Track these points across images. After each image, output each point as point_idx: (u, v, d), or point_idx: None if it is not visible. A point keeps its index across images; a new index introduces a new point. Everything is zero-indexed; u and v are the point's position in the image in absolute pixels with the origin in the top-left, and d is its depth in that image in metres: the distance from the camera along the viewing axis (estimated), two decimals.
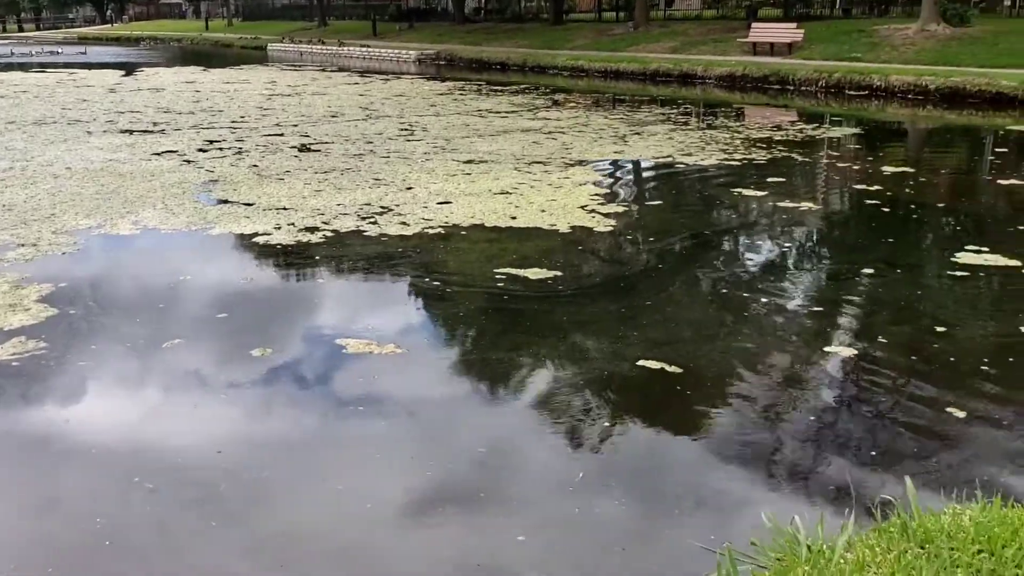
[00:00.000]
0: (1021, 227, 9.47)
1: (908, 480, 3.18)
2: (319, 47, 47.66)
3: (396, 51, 40.92)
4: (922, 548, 2.78)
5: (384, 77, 31.15)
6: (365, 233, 9.16)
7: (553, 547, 3.99)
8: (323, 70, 35.48)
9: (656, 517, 4.20)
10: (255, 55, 48.52)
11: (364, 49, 43.81)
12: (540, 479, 4.58)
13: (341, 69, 35.98)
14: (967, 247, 8.36)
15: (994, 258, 8.02)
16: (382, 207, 10.29)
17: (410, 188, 11.34)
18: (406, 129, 17.16)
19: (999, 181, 12.01)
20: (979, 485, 3.60)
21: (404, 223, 9.53)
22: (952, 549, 2.74)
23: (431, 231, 9.21)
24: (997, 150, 14.94)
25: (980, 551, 2.73)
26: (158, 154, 14.21)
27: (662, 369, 5.74)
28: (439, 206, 10.31)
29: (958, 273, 7.66)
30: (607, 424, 5.13)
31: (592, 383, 5.67)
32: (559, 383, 5.71)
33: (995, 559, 2.68)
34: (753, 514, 3.74)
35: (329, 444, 5.02)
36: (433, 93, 24.88)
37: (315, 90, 26.12)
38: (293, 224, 9.50)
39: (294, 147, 14.96)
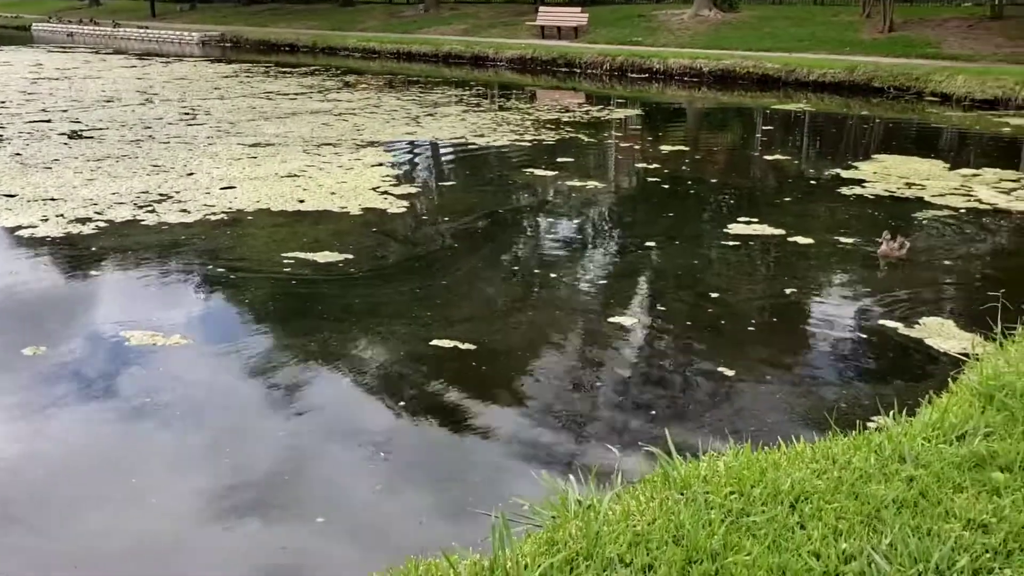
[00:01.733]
0: (787, 199, 10.24)
1: (667, 432, 3.37)
2: (91, 28, 44.43)
3: (177, 32, 38.87)
4: (681, 494, 2.96)
5: (164, 60, 29.50)
6: (143, 223, 8.65)
7: (353, 525, 3.95)
8: (96, 52, 33.15)
9: (453, 489, 4.24)
10: (17, 36, 44.68)
11: (142, 31, 41.31)
12: (339, 461, 4.51)
13: (117, 52, 33.76)
14: (739, 219, 8.94)
15: (762, 228, 8.63)
16: (161, 194, 9.75)
17: (191, 174, 10.81)
18: (188, 113, 16.34)
19: (765, 157, 12.93)
20: (743, 435, 3.86)
21: (185, 210, 9.07)
22: (707, 492, 2.92)
23: (214, 218, 8.83)
24: (764, 128, 16.06)
25: (732, 492, 2.94)
26: None
27: (455, 347, 5.78)
28: (222, 191, 9.89)
29: (730, 243, 8.17)
30: (403, 403, 5.10)
31: (386, 364, 5.63)
32: (353, 366, 5.63)
33: (744, 498, 2.89)
34: (540, 478, 3.84)
35: (114, 441, 4.71)
36: (217, 76, 23.82)
37: (87, 73, 24.37)
38: (62, 215, 8.83)
39: (64, 134, 13.90)
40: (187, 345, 5.84)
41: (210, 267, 7.48)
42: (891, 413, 3.78)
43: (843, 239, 8.22)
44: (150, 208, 9.15)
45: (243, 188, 10.03)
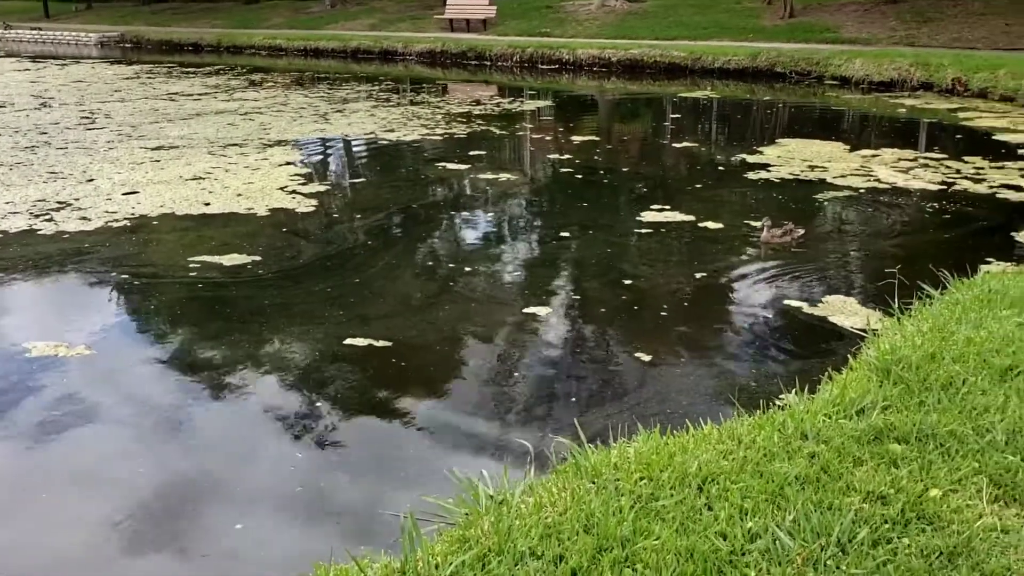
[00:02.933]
0: (697, 185, 10.41)
1: (577, 422, 3.39)
2: None
3: (74, 34, 37.48)
4: (593, 483, 2.98)
5: (61, 62, 28.42)
6: (40, 232, 8.32)
7: (271, 530, 3.87)
8: None
9: (369, 489, 4.19)
10: None
11: (35, 32, 39.71)
12: (254, 466, 4.42)
13: (9, 54, 32.39)
14: (651, 207, 9.05)
15: (674, 215, 8.76)
16: (60, 202, 9.40)
17: (92, 180, 10.44)
18: (87, 117, 15.79)
19: (675, 144, 13.13)
20: (658, 418, 3.90)
21: (85, 218, 8.76)
22: (618, 480, 2.95)
23: (116, 224, 8.54)
24: (673, 116, 16.30)
25: (642, 478, 2.97)
26: None
27: (370, 345, 5.72)
28: (125, 197, 9.58)
29: (643, 230, 8.27)
30: (317, 405, 5.03)
31: (299, 365, 5.54)
32: (265, 368, 5.52)
33: (654, 483, 2.92)
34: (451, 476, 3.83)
35: (18, 456, 4.52)
36: (118, 78, 23.07)
37: None
38: None
39: None
40: (92, 355, 5.66)
41: (114, 275, 7.25)
42: (794, 391, 3.87)
43: (752, 223, 8.40)
44: (47, 217, 8.81)
45: (146, 193, 9.73)
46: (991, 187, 9.60)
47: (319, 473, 4.34)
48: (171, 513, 3.99)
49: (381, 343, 5.76)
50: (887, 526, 2.69)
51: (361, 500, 4.12)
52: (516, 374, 5.41)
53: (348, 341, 5.79)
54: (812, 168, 10.80)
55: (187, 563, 3.65)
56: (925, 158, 11.36)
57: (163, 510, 4.01)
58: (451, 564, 2.52)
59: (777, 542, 2.60)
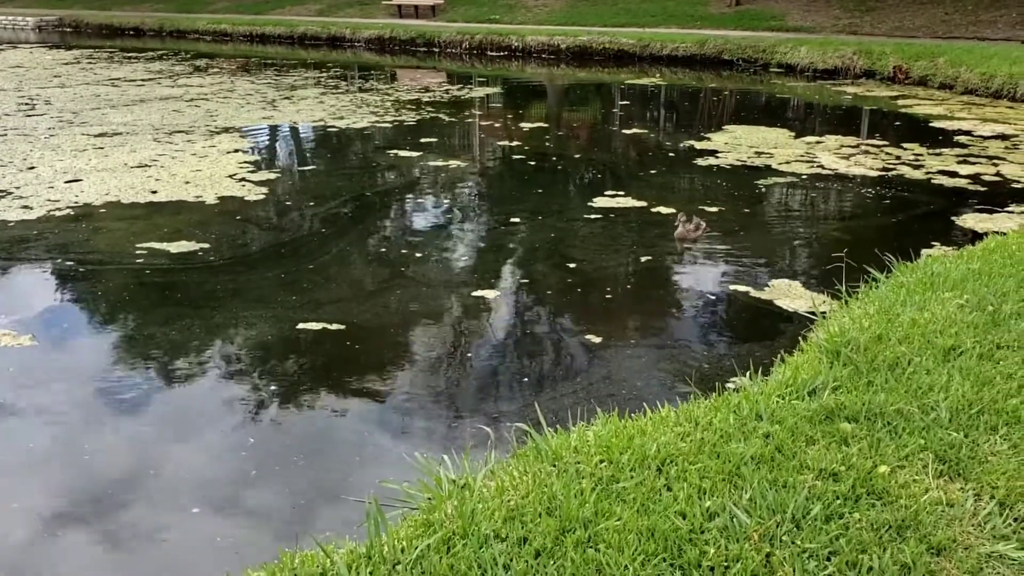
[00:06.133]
0: (652, 171, 10.52)
1: (537, 406, 3.44)
2: None
3: (10, 18, 36.45)
4: (554, 465, 3.02)
5: None
6: None
7: (228, 517, 3.85)
8: None
9: (328, 474, 4.18)
10: None
11: None
12: (211, 450, 4.39)
13: None
14: (605, 192, 9.12)
15: (626, 200, 8.83)
16: None
17: (32, 168, 10.20)
18: (26, 104, 15.39)
19: (624, 131, 13.23)
20: (614, 400, 3.95)
21: (27, 207, 8.55)
22: (578, 462, 3.00)
23: (59, 213, 8.36)
24: (622, 103, 16.41)
25: (602, 460, 3.02)
26: None
27: (324, 329, 5.71)
28: (67, 185, 9.37)
29: (594, 216, 8.33)
30: (272, 387, 5.01)
31: (252, 349, 5.52)
32: (217, 352, 5.48)
33: (614, 466, 2.98)
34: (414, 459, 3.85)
35: None
36: (57, 63, 22.50)
37: None
38: None
39: None
40: (39, 343, 5.56)
41: (59, 263, 7.11)
42: (748, 373, 3.96)
43: (704, 207, 8.51)
44: None
45: (90, 180, 9.54)
46: (928, 173, 9.85)
47: (275, 457, 4.31)
48: (123, 498, 3.95)
49: (335, 326, 5.75)
50: (839, 502, 2.78)
51: (318, 484, 4.11)
52: (469, 356, 5.44)
53: (302, 325, 5.77)
54: (759, 155, 10.97)
55: (145, 548, 3.62)
56: (867, 145, 11.61)
57: (115, 496, 3.96)
58: (416, 548, 2.55)
59: (734, 520, 2.67)
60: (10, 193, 9.07)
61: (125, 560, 3.59)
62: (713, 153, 11.13)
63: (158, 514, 3.85)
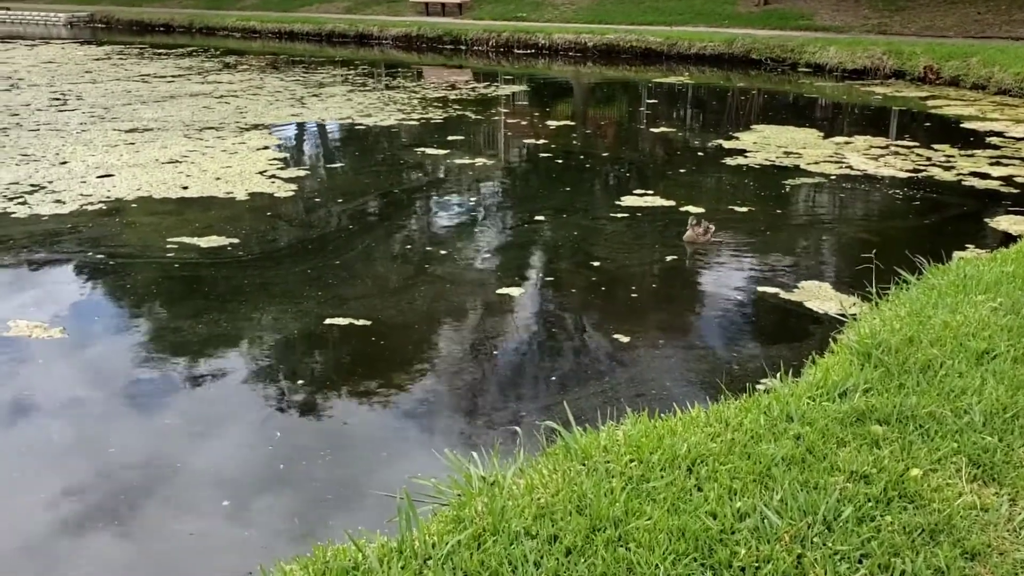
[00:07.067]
0: (683, 170, 10.49)
1: (567, 405, 3.44)
2: None
3: (43, 14, 36.90)
4: (583, 464, 3.02)
5: (29, 43, 27.98)
6: (13, 215, 8.22)
7: (259, 507, 3.89)
8: None
9: (356, 469, 4.21)
10: None
11: (3, 12, 39.04)
12: (239, 443, 4.43)
13: None
14: (633, 191, 9.11)
15: (655, 200, 8.81)
16: (33, 185, 9.29)
17: (65, 163, 10.33)
18: (58, 99, 15.58)
19: (652, 130, 13.20)
20: (644, 399, 3.94)
21: (59, 201, 8.67)
22: (608, 462, 3.00)
23: (92, 208, 8.46)
24: (649, 101, 16.37)
25: (631, 460, 3.02)
26: None
27: (351, 324, 5.75)
28: (100, 180, 9.49)
29: (620, 215, 8.31)
30: (300, 381, 5.04)
31: (280, 343, 5.56)
32: (246, 345, 5.53)
33: (644, 465, 2.98)
34: (444, 455, 3.86)
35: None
36: (89, 58, 22.76)
37: None
38: None
39: None
40: (69, 336, 5.63)
41: (91, 256, 7.19)
42: (778, 375, 3.94)
43: (733, 207, 8.47)
44: (21, 200, 8.71)
45: (122, 176, 9.64)
46: (959, 175, 9.75)
47: (301, 451, 4.34)
48: (152, 490, 3.99)
49: (361, 322, 5.78)
50: (871, 504, 2.76)
51: (345, 479, 4.14)
52: (494, 354, 5.45)
53: (328, 320, 5.81)
54: (787, 154, 10.90)
55: (176, 540, 3.66)
56: (896, 145, 11.51)
57: (144, 488, 4.01)
58: (447, 544, 2.56)
59: (765, 520, 2.66)
60: (43, 187, 9.19)
61: (155, 552, 3.63)
62: (742, 152, 11.08)
63: (188, 506, 3.89)
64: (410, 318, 5.97)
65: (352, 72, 20.10)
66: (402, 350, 5.52)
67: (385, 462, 4.28)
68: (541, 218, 8.33)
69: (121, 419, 4.70)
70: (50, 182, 9.41)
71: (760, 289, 6.44)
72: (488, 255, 7.41)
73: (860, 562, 2.51)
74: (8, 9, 39.39)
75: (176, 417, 4.72)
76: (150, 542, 3.68)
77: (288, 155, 11.03)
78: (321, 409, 4.83)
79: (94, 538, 3.69)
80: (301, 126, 13.33)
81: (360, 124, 13.25)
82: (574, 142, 12.20)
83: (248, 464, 4.25)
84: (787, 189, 9.31)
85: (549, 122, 13.70)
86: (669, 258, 7.10)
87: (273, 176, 9.71)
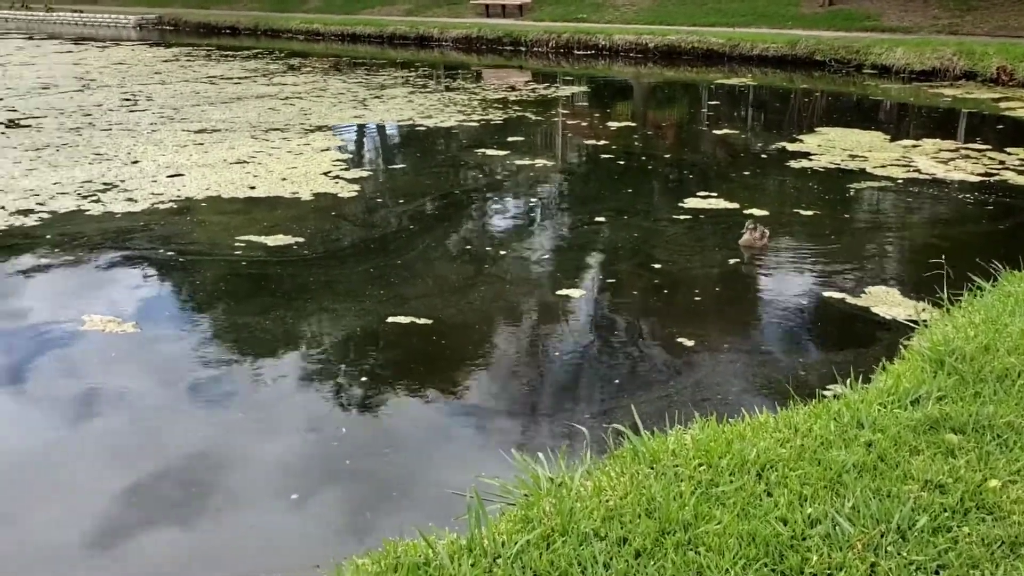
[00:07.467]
0: (746, 173, 10.37)
1: (634, 408, 3.43)
2: (23, 13, 43.19)
3: (113, 16, 37.94)
4: (651, 468, 3.02)
5: (101, 45, 28.79)
6: (88, 212, 8.47)
7: (327, 502, 3.96)
8: (30, 38, 32.22)
9: (421, 467, 4.25)
10: None
11: (77, 15, 40.23)
12: (304, 439, 4.50)
13: (51, 37, 32.83)
14: (696, 193, 9.04)
15: (718, 202, 8.74)
16: (105, 184, 9.56)
17: (136, 162, 10.61)
18: (129, 99, 16.00)
19: (714, 131, 13.08)
20: (710, 404, 3.92)
21: (131, 199, 8.91)
22: (676, 465, 2.99)
23: (163, 206, 8.68)
24: (710, 103, 16.21)
25: (700, 464, 3.01)
26: None
27: (411, 323, 5.80)
28: (170, 179, 9.72)
29: (683, 217, 8.25)
30: (364, 379, 5.11)
31: (344, 340, 5.64)
32: (309, 344, 5.62)
33: (713, 470, 2.96)
34: (508, 455, 3.88)
35: (70, 427, 4.63)
36: (157, 60, 23.33)
37: (22, 60, 23.69)
38: (3, 208, 8.61)
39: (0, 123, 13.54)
40: (141, 330, 5.79)
41: (162, 254, 7.37)
42: (847, 381, 3.88)
43: (798, 210, 8.36)
44: (95, 198, 8.97)
45: (191, 175, 9.87)
46: None
47: (365, 447, 4.39)
48: (221, 483, 4.08)
49: (422, 321, 5.84)
50: (946, 515, 2.71)
51: (410, 476, 4.18)
52: (555, 355, 5.45)
53: (391, 319, 5.87)
54: (852, 157, 10.72)
55: (247, 533, 3.74)
56: (967, 149, 11.23)
57: (212, 481, 4.10)
58: (516, 543, 2.58)
59: (837, 527, 2.63)
60: (116, 186, 9.44)
61: (224, 544, 3.71)
62: (806, 155, 10.92)
63: (257, 499, 3.97)
64: (470, 318, 6.01)
65: (413, 74, 20.28)
66: (462, 349, 5.56)
67: (446, 460, 4.31)
68: (601, 219, 8.32)
69: (189, 411, 4.81)
70: (122, 181, 9.67)
71: (825, 294, 6.35)
72: (548, 256, 7.42)
73: (937, 573, 2.46)
74: (82, 11, 40.54)
75: (243, 410, 4.82)
76: (217, 534, 3.76)
77: (351, 156, 11.18)
78: (383, 406, 4.88)
79: (160, 529, 3.78)
80: (363, 128, 13.49)
81: (421, 125, 13.36)
82: (635, 143, 12.14)
83: (315, 459, 4.32)
84: (852, 193, 9.15)
85: (609, 123, 13.66)
86: (732, 261, 7.03)
87: (337, 177, 9.85)
